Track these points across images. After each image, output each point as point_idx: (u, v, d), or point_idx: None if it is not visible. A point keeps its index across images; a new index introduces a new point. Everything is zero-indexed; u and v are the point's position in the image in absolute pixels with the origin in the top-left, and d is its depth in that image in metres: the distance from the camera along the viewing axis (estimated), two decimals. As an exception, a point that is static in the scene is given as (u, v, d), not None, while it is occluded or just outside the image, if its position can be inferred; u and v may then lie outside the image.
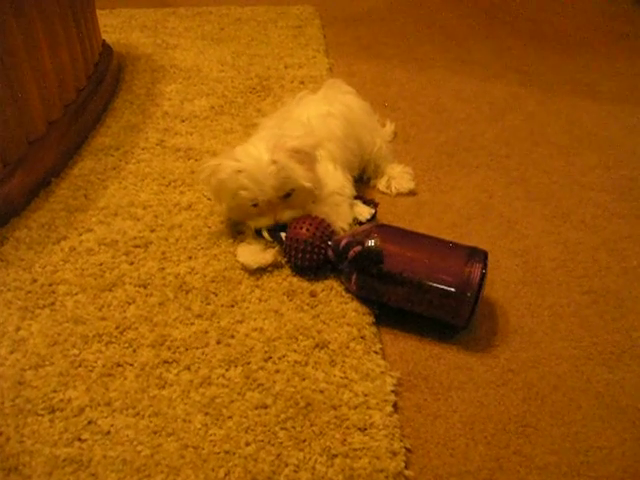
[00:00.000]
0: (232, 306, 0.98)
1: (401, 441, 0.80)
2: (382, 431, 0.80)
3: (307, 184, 1.04)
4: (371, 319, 0.98)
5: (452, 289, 0.94)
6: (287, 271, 1.06)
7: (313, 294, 1.01)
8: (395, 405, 0.86)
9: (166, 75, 1.68)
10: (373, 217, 1.19)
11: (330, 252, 1.03)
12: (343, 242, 1.02)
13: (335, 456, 0.76)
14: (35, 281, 1.01)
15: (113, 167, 1.31)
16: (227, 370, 0.87)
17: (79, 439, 0.78)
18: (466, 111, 1.70)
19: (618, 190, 1.39)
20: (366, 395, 0.85)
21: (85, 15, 1.46)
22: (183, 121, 1.48)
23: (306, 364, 0.88)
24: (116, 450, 0.77)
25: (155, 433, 0.79)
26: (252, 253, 1.06)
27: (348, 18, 2.31)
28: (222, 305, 0.98)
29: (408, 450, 0.81)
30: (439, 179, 1.40)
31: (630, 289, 1.11)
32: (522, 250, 1.20)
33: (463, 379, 0.94)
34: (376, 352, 0.93)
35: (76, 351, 0.90)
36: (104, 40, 1.65)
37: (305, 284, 1.03)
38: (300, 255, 1.02)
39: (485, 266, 0.95)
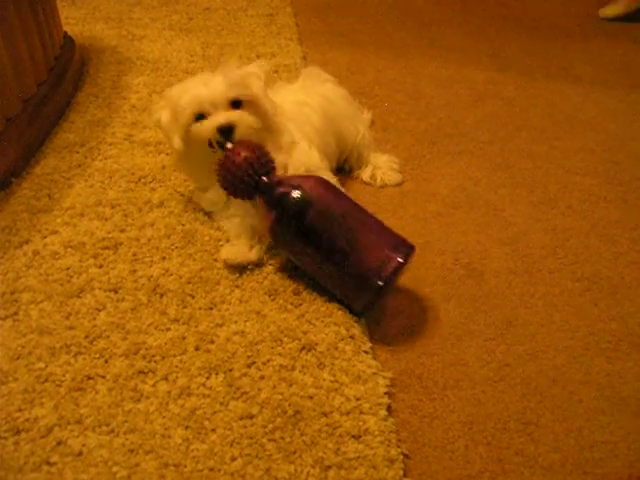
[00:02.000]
0: (211, 309, 0.91)
1: (398, 447, 0.75)
2: (377, 437, 0.75)
3: (257, 91, 1.00)
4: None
5: (362, 271, 0.88)
6: (268, 269, 1.00)
7: (296, 292, 0.96)
8: (389, 408, 0.81)
9: (133, 67, 1.60)
10: None
11: (262, 181, 0.94)
12: (277, 178, 0.95)
13: (329, 467, 0.71)
14: (-5, 290, 0.94)
15: (78, 164, 1.22)
16: (208, 378, 0.81)
17: (48, 462, 0.71)
18: (445, 97, 1.65)
19: (603, 174, 1.36)
20: (358, 399, 0.79)
21: (44, 5, 1.37)
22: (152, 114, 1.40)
23: (293, 368, 0.83)
24: (89, 473, 0.70)
25: (132, 451, 0.72)
26: (235, 251, 1.00)
27: (320, 6, 2.25)
28: (200, 308, 0.91)
29: (406, 456, 0.76)
30: (422, 167, 1.35)
31: (622, 275, 1.08)
32: (511, 238, 1.16)
33: (459, 376, 0.89)
34: (366, 352, 0.87)
35: (42, 365, 0.82)
36: (66, 32, 1.56)
37: (287, 282, 0.98)
38: (232, 181, 0.94)
39: (403, 262, 0.89)
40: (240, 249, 1.00)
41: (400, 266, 0.88)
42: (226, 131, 0.97)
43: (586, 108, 1.64)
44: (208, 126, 0.98)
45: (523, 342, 0.95)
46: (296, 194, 0.91)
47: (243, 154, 0.93)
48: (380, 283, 0.87)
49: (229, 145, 0.96)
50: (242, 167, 0.93)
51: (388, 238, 0.92)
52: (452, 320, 0.98)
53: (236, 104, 1.00)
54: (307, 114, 1.18)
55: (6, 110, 1.17)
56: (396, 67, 1.79)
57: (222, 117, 0.97)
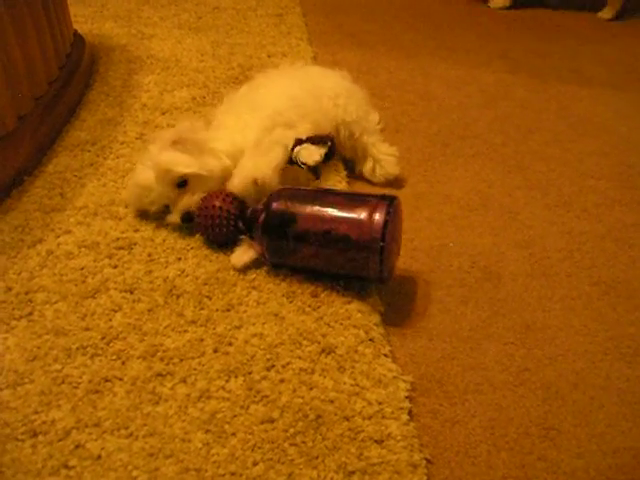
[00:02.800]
0: (228, 310, 0.90)
1: (421, 452, 0.74)
2: (400, 442, 0.74)
3: (188, 170, 1.02)
4: (378, 319, 0.92)
5: (355, 237, 0.89)
6: (284, 271, 0.98)
7: (314, 294, 0.95)
8: (410, 412, 0.80)
9: (143, 66, 1.59)
10: (328, 157, 1.11)
11: (240, 223, 1.00)
12: (249, 210, 0.99)
13: (352, 473, 0.70)
14: (10, 289, 0.92)
15: (90, 163, 1.21)
16: (227, 381, 0.80)
17: (66, 466, 0.70)
18: (457, 99, 1.64)
19: (617, 177, 1.36)
20: (380, 403, 0.78)
21: (55, 2, 1.35)
22: (163, 113, 1.39)
23: (313, 372, 0.82)
24: (109, 477, 0.69)
25: (151, 455, 0.71)
26: (240, 252, 1.00)
27: (329, 6, 2.24)
28: (217, 310, 0.90)
29: (428, 461, 0.75)
30: (435, 169, 1.34)
31: (640, 279, 1.07)
32: (527, 241, 1.15)
33: (479, 380, 0.88)
34: (386, 355, 0.86)
35: (58, 366, 0.81)
36: (76, 30, 1.55)
37: (305, 284, 0.96)
38: (211, 230, 1.00)
39: (390, 211, 0.89)
40: (244, 249, 1.00)
41: (387, 218, 0.88)
42: (186, 218, 1.03)
43: (598, 111, 1.64)
44: (171, 221, 1.05)
45: (542, 346, 0.94)
46: (275, 206, 0.94)
47: (212, 208, 0.99)
48: (375, 240, 0.88)
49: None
50: (217, 221, 0.99)
51: (367, 201, 0.92)
52: (470, 323, 0.97)
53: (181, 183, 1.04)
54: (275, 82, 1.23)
55: (19, 108, 1.16)
56: (407, 68, 1.78)
57: (178, 213, 1.04)
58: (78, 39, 1.54)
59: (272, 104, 1.17)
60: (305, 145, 1.08)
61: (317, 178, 1.08)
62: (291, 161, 1.07)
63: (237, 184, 1.02)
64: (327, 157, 1.08)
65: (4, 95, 1.11)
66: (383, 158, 1.26)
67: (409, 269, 1.06)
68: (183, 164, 1.02)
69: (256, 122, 1.12)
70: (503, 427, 0.82)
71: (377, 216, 0.88)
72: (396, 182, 1.28)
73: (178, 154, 1.03)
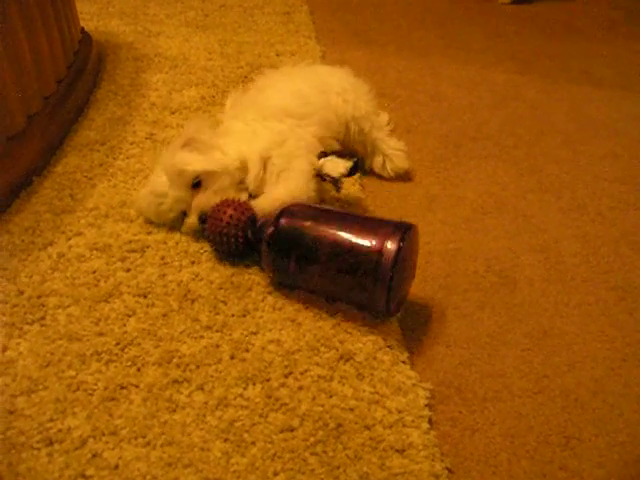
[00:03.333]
0: (244, 316, 0.89)
1: (442, 461, 0.73)
2: (422, 452, 0.72)
3: (200, 167, 1.00)
4: (395, 325, 0.91)
5: (363, 265, 0.84)
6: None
7: (330, 300, 0.93)
8: (430, 420, 0.79)
9: (151, 64, 1.57)
10: (352, 172, 1.08)
11: (250, 234, 0.96)
12: (259, 222, 0.96)
13: (375, 483, 0.68)
14: (21, 293, 0.91)
15: (100, 164, 1.20)
16: (245, 389, 0.78)
17: (83, 476, 0.68)
18: (467, 99, 1.63)
19: (631, 180, 1.34)
20: (400, 411, 0.77)
21: (62, -1, 1.34)
22: (173, 113, 1.37)
23: (331, 379, 0.80)
24: (127, 487, 0.67)
25: (170, 465, 0.70)
26: (332, 163, 1.03)
27: (335, 4, 2.22)
28: (233, 315, 0.89)
29: (449, 471, 0.74)
30: (448, 171, 1.33)
31: (657, 284, 1.06)
32: (542, 245, 1.14)
33: (497, 388, 0.87)
34: (404, 362, 0.85)
35: (72, 372, 0.80)
36: (82, 27, 1.53)
37: (320, 289, 0.95)
38: (219, 239, 0.96)
39: (403, 240, 0.84)
40: (333, 161, 1.01)
41: (401, 246, 0.84)
42: (205, 219, 1.00)
43: (609, 112, 1.62)
44: (188, 228, 1.03)
45: (560, 353, 0.93)
46: (284, 222, 0.91)
47: (224, 218, 0.96)
48: (384, 269, 0.83)
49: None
50: (229, 232, 0.95)
51: (380, 226, 0.89)
52: (487, 329, 0.96)
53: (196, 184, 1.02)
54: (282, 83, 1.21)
55: (28, 107, 1.15)
56: (416, 68, 1.77)
57: (194, 214, 1.01)
58: (85, 37, 1.52)
59: (279, 103, 1.15)
60: (330, 157, 1.07)
61: (337, 191, 1.06)
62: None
63: (265, 207, 0.99)
64: (351, 172, 1.07)
65: (14, 94, 1.09)
66: (392, 153, 1.26)
67: (425, 273, 1.04)
68: (194, 162, 1.00)
69: (265, 132, 1.10)
70: (523, 435, 0.81)
71: (389, 244, 0.83)
72: (408, 180, 1.27)
73: (188, 154, 1.01)
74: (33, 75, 1.16)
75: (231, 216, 0.95)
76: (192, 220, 1.01)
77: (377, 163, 1.27)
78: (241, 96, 1.22)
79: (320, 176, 1.06)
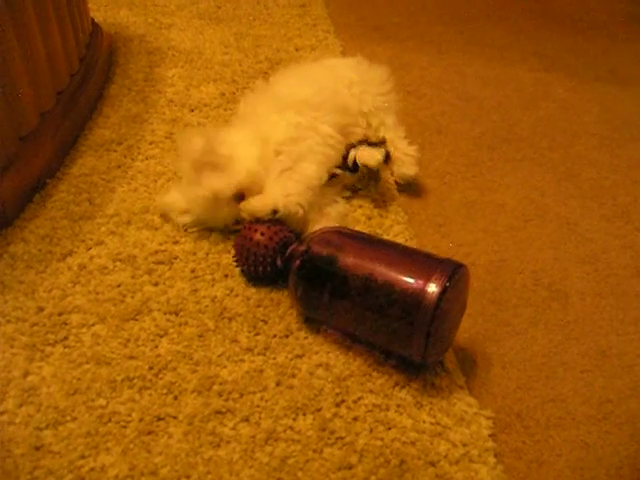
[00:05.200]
0: (287, 336, 0.82)
1: (514, 501, 0.66)
2: (493, 492, 0.66)
3: (235, 185, 0.92)
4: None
5: (401, 306, 0.74)
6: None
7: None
8: (495, 453, 0.72)
9: (165, 58, 1.49)
10: (386, 159, 1.01)
11: (279, 260, 0.87)
12: (289, 249, 0.86)
13: (448, 530, 0.62)
14: (41, 310, 0.83)
15: (118, 165, 1.12)
16: (295, 420, 0.71)
17: (123, 523, 0.61)
18: (495, 99, 1.56)
19: (671, 186, 1.29)
20: (465, 445, 0.71)
21: (73, -13, 1.25)
22: (192, 110, 1.29)
23: (387, 408, 0.73)
24: (173, 536, 0.60)
25: (219, 509, 0.62)
26: (368, 151, 0.97)
27: (351, -4, 2.14)
28: (275, 336, 0.82)
29: (522, 511, 0.68)
30: (484, 175, 1.26)
31: None
32: (590, 256, 1.07)
33: (560, 414, 0.81)
34: (461, 387, 0.79)
35: (103, 401, 0.72)
36: (92, 18, 1.44)
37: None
38: (246, 266, 0.89)
39: (450, 281, 0.73)
40: (369, 150, 0.95)
41: (444, 290, 0.73)
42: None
43: (640, 113, 1.56)
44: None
45: (621, 375, 0.87)
46: (318, 249, 0.82)
47: (257, 239, 0.87)
48: (424, 315, 0.72)
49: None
50: (258, 256, 0.87)
51: (424, 264, 0.78)
52: (543, 349, 0.89)
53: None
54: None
55: (41, 104, 1.06)
56: (440, 65, 1.70)
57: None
58: (96, 28, 1.43)
59: (293, 93, 1.07)
60: (362, 147, 0.99)
61: (378, 181, 0.98)
62: (343, 167, 0.99)
63: (255, 209, 0.90)
64: (386, 159, 0.99)
65: (27, 90, 1.00)
66: (400, 157, 1.13)
67: (471, 287, 0.97)
68: (226, 183, 0.91)
69: (282, 125, 1.02)
70: (592, 468, 0.75)
71: (432, 287, 0.73)
72: (443, 184, 1.20)
73: (211, 177, 0.92)
74: (46, 69, 1.07)
75: (258, 243, 0.87)
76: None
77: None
78: (254, 94, 1.14)
79: (349, 169, 0.98)
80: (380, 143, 1.03)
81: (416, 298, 0.73)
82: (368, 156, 0.97)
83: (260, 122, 1.03)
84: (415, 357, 0.76)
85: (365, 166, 0.97)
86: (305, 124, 1.02)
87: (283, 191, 0.92)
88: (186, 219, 0.97)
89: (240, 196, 0.92)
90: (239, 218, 0.94)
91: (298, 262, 0.82)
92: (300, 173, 0.95)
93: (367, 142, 1.03)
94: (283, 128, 1.00)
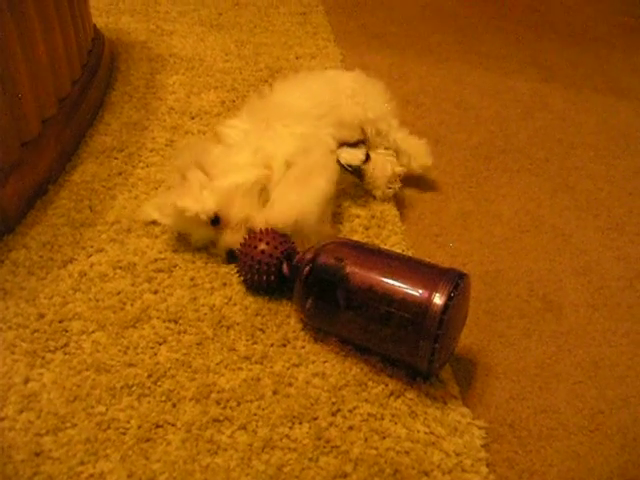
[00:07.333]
0: (284, 345, 0.83)
1: (506, 512, 0.68)
2: (485, 502, 0.67)
3: (198, 211, 0.91)
4: (443, 356, 0.85)
5: (407, 316, 0.76)
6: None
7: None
8: (487, 463, 0.73)
9: (166, 65, 1.50)
10: (366, 158, 1.06)
11: (285, 268, 0.88)
12: (296, 258, 0.87)
13: (440, 540, 0.63)
14: (42, 316, 0.84)
15: (119, 172, 1.13)
16: (291, 428, 0.72)
17: (121, 529, 0.62)
18: (493, 108, 1.58)
19: (666, 197, 1.30)
20: (458, 454, 0.72)
21: (75, -6, 1.26)
22: (193, 118, 1.31)
23: (382, 417, 0.75)
24: (171, 543, 0.61)
25: (216, 517, 0.64)
26: (349, 152, 1.01)
27: (350, 4, 2.16)
28: (272, 344, 0.83)
29: (513, 521, 0.69)
30: (480, 186, 1.28)
31: None
32: (584, 267, 1.09)
33: (552, 425, 0.82)
34: (455, 397, 0.80)
35: (102, 408, 0.73)
36: (94, 24, 1.45)
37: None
38: (250, 276, 0.89)
39: (454, 292, 0.75)
40: (350, 151, 0.99)
41: (450, 300, 0.75)
42: (232, 257, 0.95)
43: (638, 124, 1.58)
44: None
45: (613, 386, 0.88)
46: (326, 259, 0.83)
47: (260, 248, 0.88)
48: (430, 324, 0.74)
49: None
50: (262, 265, 0.88)
51: (428, 273, 0.80)
52: (536, 359, 0.91)
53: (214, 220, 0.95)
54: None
55: (43, 110, 1.07)
56: (439, 74, 1.71)
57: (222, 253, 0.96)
58: (98, 34, 1.45)
59: (293, 104, 1.10)
60: (343, 148, 1.03)
61: (361, 180, 1.02)
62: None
63: (278, 220, 0.91)
64: (366, 158, 1.03)
65: (29, 96, 1.01)
66: (415, 150, 1.20)
67: (467, 297, 0.99)
68: (197, 204, 0.91)
69: (288, 136, 1.04)
70: (583, 478, 0.76)
71: (437, 298, 0.74)
72: (440, 194, 1.22)
73: (189, 197, 0.92)
74: (49, 75, 1.09)
75: (262, 252, 0.88)
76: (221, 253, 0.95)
77: (402, 162, 1.20)
78: (255, 104, 1.16)
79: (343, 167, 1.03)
80: (359, 143, 1.07)
81: (423, 308, 0.75)
82: (351, 156, 1.01)
83: (261, 135, 1.04)
84: (421, 366, 0.77)
85: (349, 166, 1.00)
86: (310, 134, 1.04)
87: (300, 201, 0.93)
88: (169, 221, 0.98)
89: (215, 220, 0.93)
90: (215, 240, 0.95)
91: (307, 270, 0.83)
92: (312, 186, 0.96)
93: (347, 144, 1.07)
94: (289, 139, 1.02)
